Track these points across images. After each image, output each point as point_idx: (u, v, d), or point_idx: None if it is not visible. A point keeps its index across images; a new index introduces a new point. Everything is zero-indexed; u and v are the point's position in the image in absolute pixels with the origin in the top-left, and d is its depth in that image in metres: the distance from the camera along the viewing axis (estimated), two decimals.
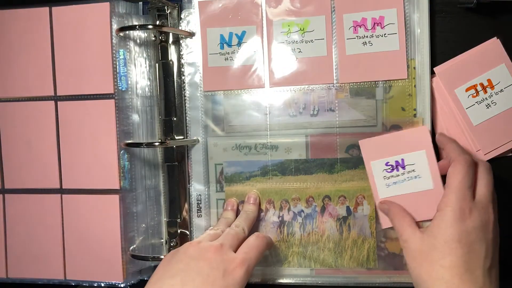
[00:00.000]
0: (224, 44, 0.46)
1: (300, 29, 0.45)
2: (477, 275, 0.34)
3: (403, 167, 0.42)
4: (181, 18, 0.47)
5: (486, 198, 0.36)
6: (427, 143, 0.42)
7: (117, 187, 0.47)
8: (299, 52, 0.45)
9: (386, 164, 0.43)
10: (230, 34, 0.46)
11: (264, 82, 0.46)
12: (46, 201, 0.49)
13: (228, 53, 0.46)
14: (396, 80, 0.44)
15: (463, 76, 0.44)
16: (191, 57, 0.47)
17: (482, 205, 0.36)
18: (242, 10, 0.46)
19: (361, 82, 0.44)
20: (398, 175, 0.43)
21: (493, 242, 0.36)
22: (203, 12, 0.46)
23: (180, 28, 0.47)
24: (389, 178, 0.43)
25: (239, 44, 0.46)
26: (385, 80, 0.44)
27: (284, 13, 0.45)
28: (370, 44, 0.44)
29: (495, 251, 0.36)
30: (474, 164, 0.38)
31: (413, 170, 0.42)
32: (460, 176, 0.36)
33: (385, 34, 0.44)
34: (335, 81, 0.45)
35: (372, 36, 0.44)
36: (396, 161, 0.42)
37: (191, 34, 0.47)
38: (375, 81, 0.44)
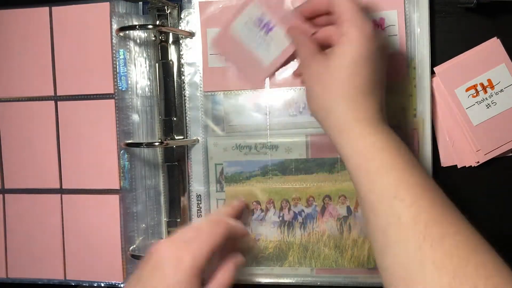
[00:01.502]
0: None
1: None
2: (377, 93, 0.34)
3: (267, 31, 0.42)
4: (181, 18, 0.47)
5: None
6: None
7: (117, 187, 0.47)
8: None
9: (258, 19, 0.43)
10: None
11: (265, 83, 0.46)
12: (46, 201, 0.49)
13: None
14: (396, 81, 0.44)
15: (463, 76, 0.44)
16: (191, 57, 0.47)
17: (375, 29, 0.35)
18: None
19: None
20: (257, 32, 0.43)
21: (386, 60, 0.36)
22: (203, 12, 0.46)
23: (180, 28, 0.47)
24: (249, 24, 0.43)
25: None
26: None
27: None
28: None
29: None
30: None
31: (271, 39, 0.42)
32: (349, 1, 0.34)
33: (385, 36, 0.44)
34: None
35: None
36: (268, 23, 0.42)
37: (191, 34, 0.47)
38: None
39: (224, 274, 0.38)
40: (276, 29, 0.42)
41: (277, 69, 0.44)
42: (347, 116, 0.33)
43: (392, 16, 0.43)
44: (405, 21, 0.43)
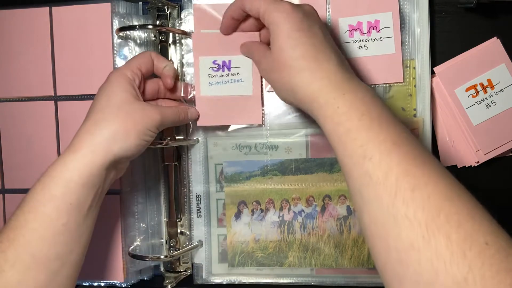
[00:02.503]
0: None
1: None
2: (329, 53, 0.35)
3: (229, 69, 0.44)
4: (181, 18, 0.47)
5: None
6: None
7: (117, 187, 0.47)
8: None
9: (214, 63, 0.44)
10: None
11: (263, 86, 0.46)
12: None
13: None
14: (393, 83, 0.44)
15: (463, 76, 0.44)
16: (191, 57, 0.47)
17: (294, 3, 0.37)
18: None
19: None
20: (222, 76, 0.44)
21: (324, 26, 0.37)
22: (197, 15, 0.46)
23: (180, 28, 0.47)
24: (213, 76, 0.44)
25: None
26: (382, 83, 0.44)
27: None
28: (366, 48, 0.44)
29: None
30: None
31: (237, 73, 0.44)
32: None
33: (380, 37, 0.44)
34: None
35: (367, 39, 0.44)
36: (224, 61, 0.44)
37: (190, 35, 0.47)
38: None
39: (170, 108, 0.42)
40: (233, 59, 0.43)
41: (262, 91, 0.45)
42: (309, 89, 0.34)
43: (387, 18, 0.43)
44: (400, 23, 0.43)
